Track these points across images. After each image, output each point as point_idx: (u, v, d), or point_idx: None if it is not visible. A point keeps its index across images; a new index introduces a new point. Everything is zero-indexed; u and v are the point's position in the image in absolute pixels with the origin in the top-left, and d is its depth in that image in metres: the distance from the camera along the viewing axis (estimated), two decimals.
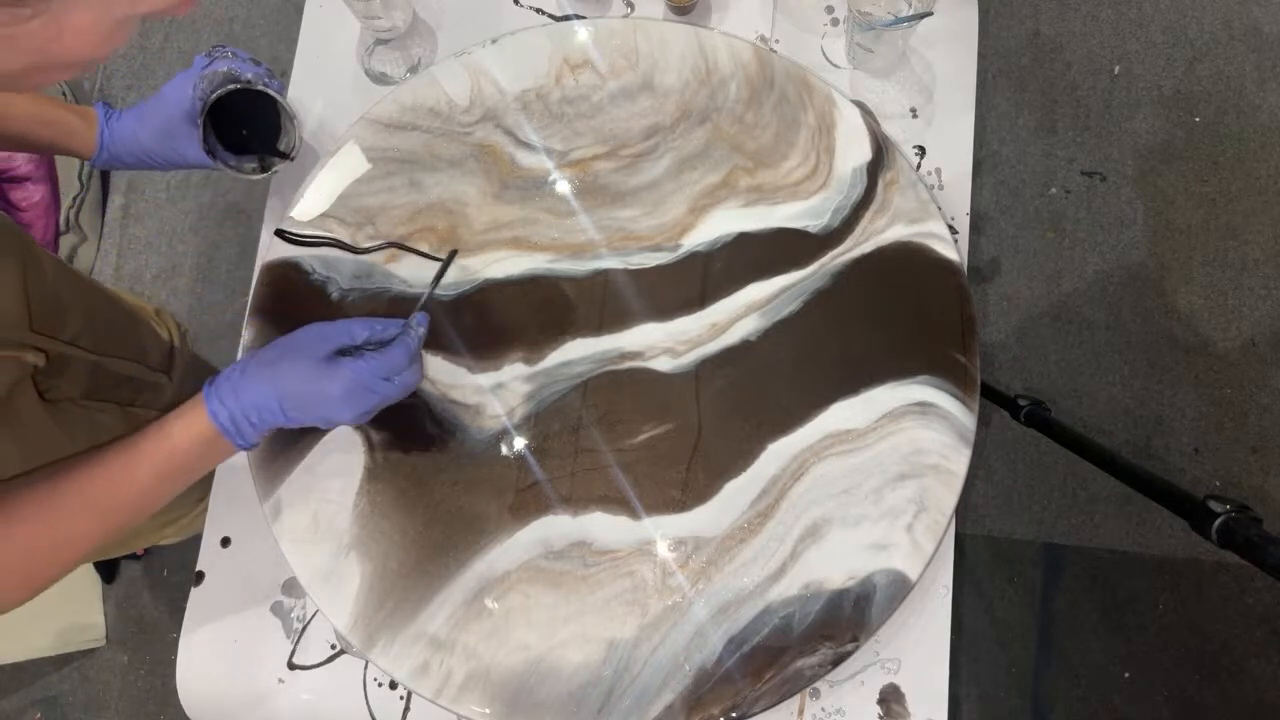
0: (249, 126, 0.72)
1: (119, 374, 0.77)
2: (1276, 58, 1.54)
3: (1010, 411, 1.04)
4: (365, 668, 0.70)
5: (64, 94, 1.58)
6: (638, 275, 0.73)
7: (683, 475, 0.68)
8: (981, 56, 0.81)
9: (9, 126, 0.65)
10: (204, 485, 0.74)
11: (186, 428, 0.56)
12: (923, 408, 0.69)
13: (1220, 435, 1.41)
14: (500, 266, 0.74)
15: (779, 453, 0.68)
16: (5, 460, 0.72)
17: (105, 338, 0.79)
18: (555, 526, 0.68)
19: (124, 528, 0.57)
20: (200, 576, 0.72)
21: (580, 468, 0.69)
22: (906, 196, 0.73)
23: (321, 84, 0.83)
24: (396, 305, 0.73)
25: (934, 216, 0.72)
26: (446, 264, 0.68)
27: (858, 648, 0.64)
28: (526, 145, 0.76)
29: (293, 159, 0.73)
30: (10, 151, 0.69)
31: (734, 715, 0.63)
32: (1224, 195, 1.50)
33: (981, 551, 1.39)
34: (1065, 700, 1.33)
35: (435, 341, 0.72)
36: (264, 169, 0.73)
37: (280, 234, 0.75)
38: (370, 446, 0.70)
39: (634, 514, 0.68)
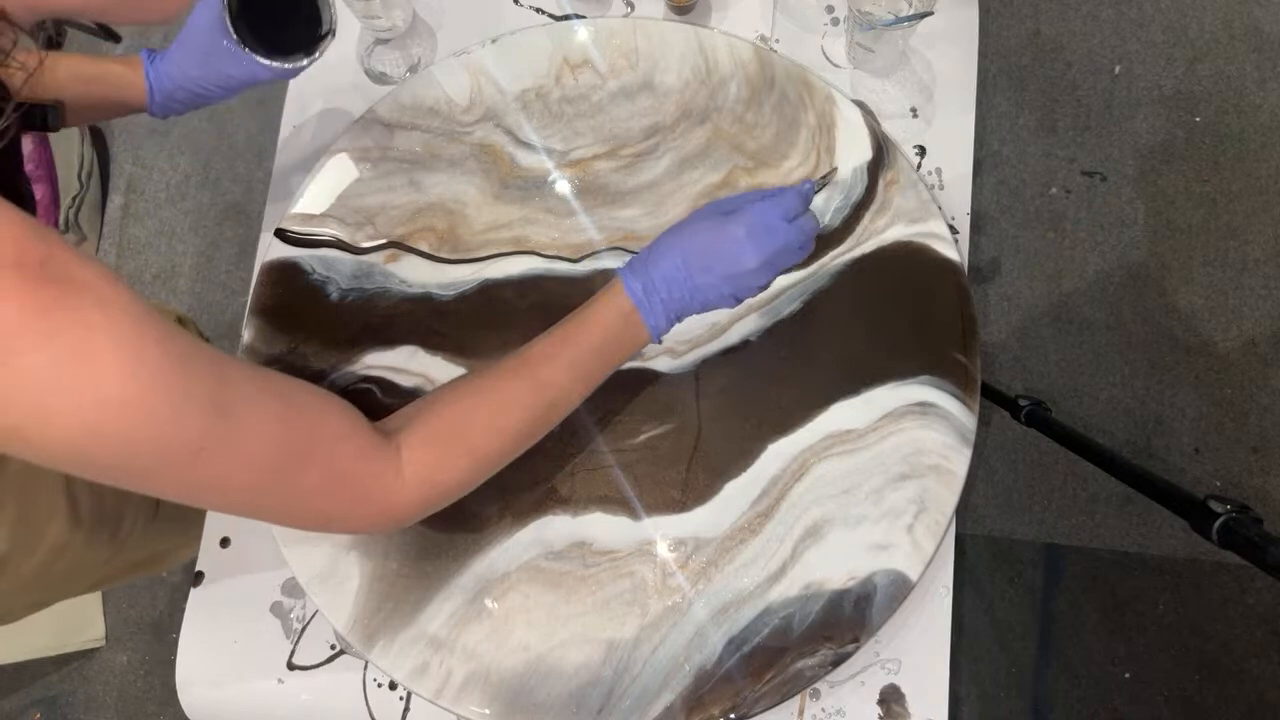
0: (283, 24, 0.68)
1: None
2: (1277, 58, 1.54)
3: (1010, 411, 1.04)
4: (365, 668, 0.70)
5: None
6: None
7: (683, 475, 0.68)
8: (982, 56, 0.80)
9: (59, 95, 0.63)
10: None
11: (607, 304, 0.59)
12: (923, 408, 0.68)
13: (1221, 435, 1.41)
14: (500, 266, 0.73)
15: (779, 453, 0.68)
16: (78, 489, 0.73)
17: None
18: (555, 526, 0.68)
19: (557, 405, 0.58)
20: (200, 577, 0.72)
21: (580, 468, 0.69)
22: (907, 196, 0.73)
23: (321, 84, 0.83)
24: (398, 306, 0.73)
25: (934, 216, 0.72)
26: (827, 176, 0.70)
27: (858, 648, 0.64)
28: (526, 145, 0.76)
29: (334, 34, 0.68)
30: (70, 126, 0.68)
31: (734, 716, 0.63)
32: (1224, 195, 1.49)
33: (982, 552, 1.39)
34: (1065, 700, 1.33)
35: (435, 341, 0.72)
36: (309, 55, 0.68)
37: (280, 234, 0.75)
38: None
39: (634, 514, 0.68)
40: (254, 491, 0.46)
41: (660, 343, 0.61)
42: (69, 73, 0.64)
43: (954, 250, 0.72)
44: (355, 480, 0.50)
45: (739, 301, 0.61)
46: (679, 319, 0.60)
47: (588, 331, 0.58)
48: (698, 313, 0.60)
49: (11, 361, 0.34)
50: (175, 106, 0.68)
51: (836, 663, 0.64)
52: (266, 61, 0.65)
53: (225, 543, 0.73)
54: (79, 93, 0.64)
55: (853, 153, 0.74)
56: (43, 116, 0.56)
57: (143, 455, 0.39)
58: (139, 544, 0.82)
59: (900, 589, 0.65)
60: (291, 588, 0.72)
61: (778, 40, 0.81)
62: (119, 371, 0.37)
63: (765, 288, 0.61)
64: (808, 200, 0.63)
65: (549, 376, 0.57)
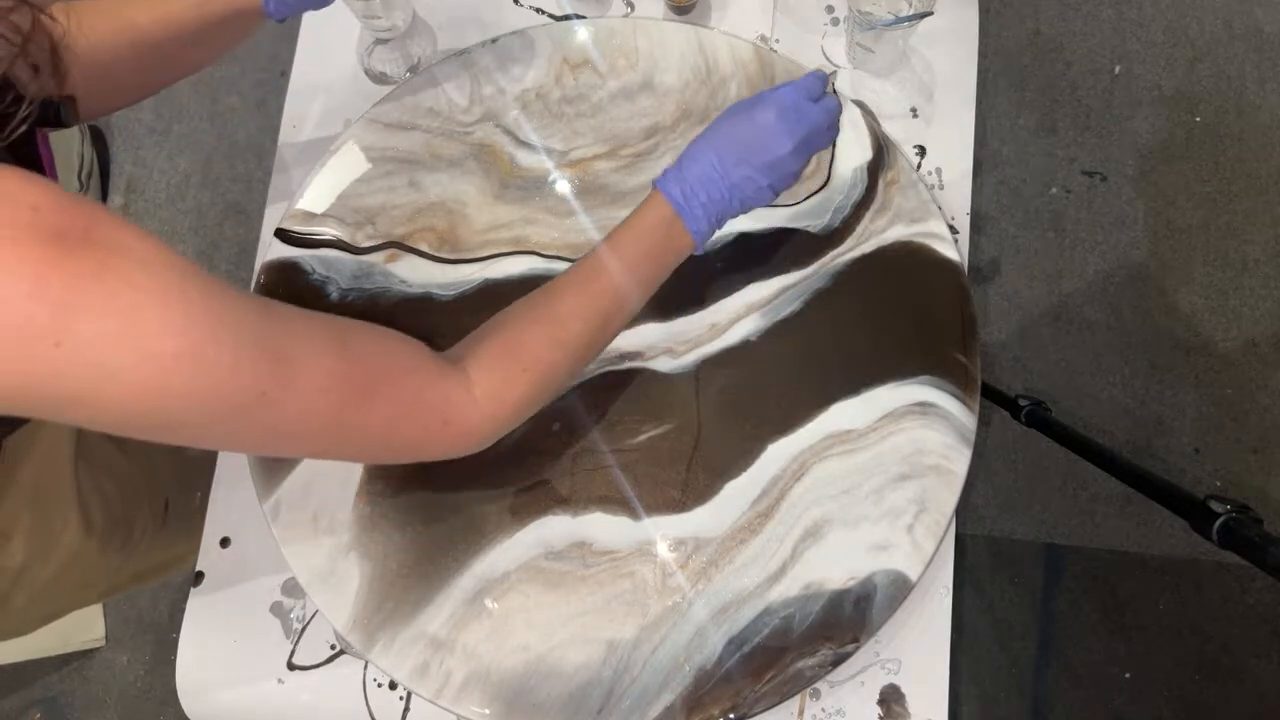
0: None
1: None
2: (1277, 57, 1.54)
3: (1011, 411, 1.04)
4: (365, 668, 0.70)
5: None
6: None
7: (683, 475, 0.68)
8: (982, 56, 0.80)
9: (186, 19, 0.61)
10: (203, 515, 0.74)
11: (648, 213, 0.59)
12: (923, 408, 0.68)
13: (1221, 435, 1.41)
14: (500, 266, 0.73)
15: (779, 453, 0.68)
16: (89, 497, 0.73)
17: None
18: (555, 527, 0.68)
19: (612, 317, 0.58)
20: (200, 576, 0.72)
21: (580, 468, 0.69)
22: (907, 196, 0.73)
23: (321, 84, 0.83)
24: (398, 306, 0.73)
25: (934, 216, 0.72)
26: (833, 76, 0.69)
27: (858, 648, 0.64)
28: (526, 145, 0.76)
29: None
30: (203, 65, 0.65)
31: (734, 716, 0.63)
32: (1224, 195, 1.49)
33: (982, 552, 1.39)
34: (1065, 700, 1.33)
35: (435, 342, 0.72)
36: None
37: (280, 234, 0.75)
38: None
39: (634, 514, 0.68)
40: (326, 431, 0.46)
41: (702, 251, 0.60)
42: (177, 6, 0.61)
43: (954, 250, 0.72)
44: (427, 407, 0.51)
45: (776, 194, 0.60)
46: (720, 223, 0.60)
47: (633, 242, 0.58)
48: (737, 213, 0.60)
49: (67, 331, 0.35)
50: (288, 3, 0.64)
51: (836, 663, 0.64)
52: None
53: (225, 543, 0.73)
54: (194, 17, 0.62)
55: (853, 153, 0.74)
56: (56, 111, 0.56)
57: (204, 407, 0.40)
58: (149, 550, 0.82)
59: (900, 589, 0.65)
60: (291, 588, 0.72)
61: (778, 40, 0.81)
62: (170, 328, 0.37)
63: (799, 176, 0.61)
64: (824, 84, 0.62)
65: (601, 288, 0.58)
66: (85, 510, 0.72)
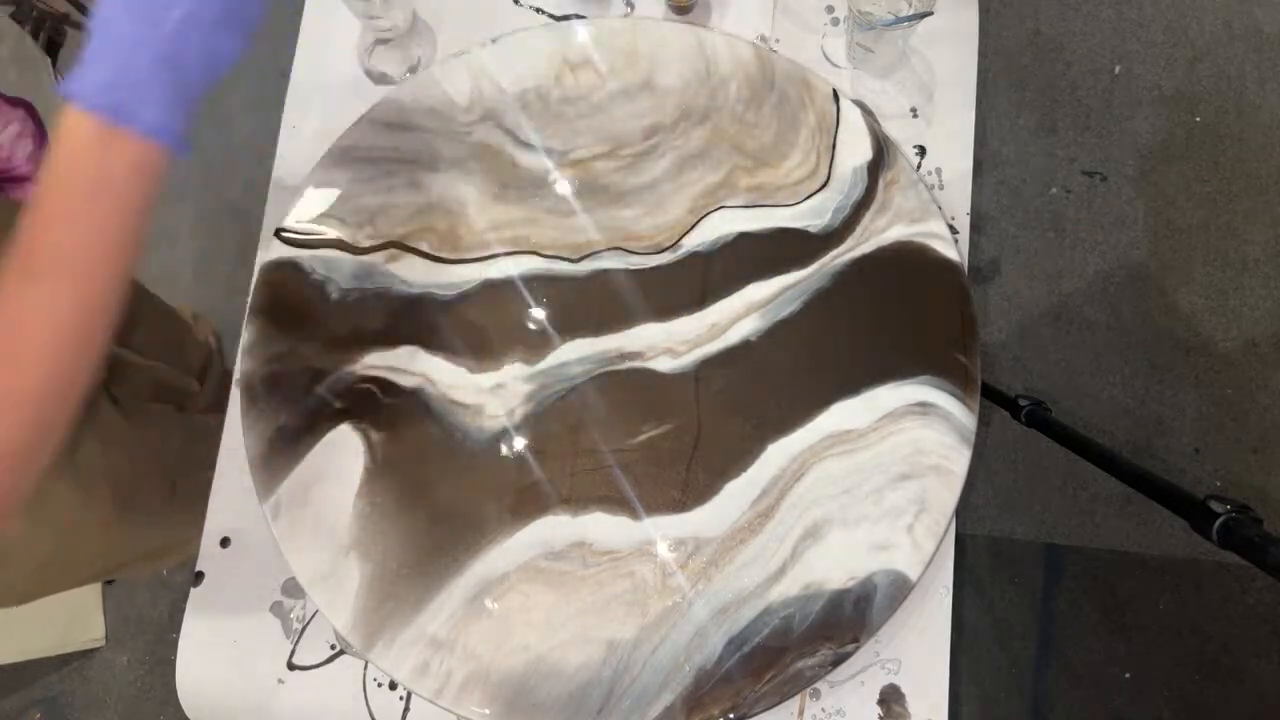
0: None
1: (157, 378, 0.77)
2: (1277, 58, 1.54)
3: (1010, 411, 1.04)
4: (365, 668, 0.70)
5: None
6: (638, 275, 0.73)
7: (683, 475, 0.68)
8: (982, 56, 0.80)
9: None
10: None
11: (66, 140, 0.42)
12: (923, 408, 0.68)
13: (1221, 435, 1.41)
14: (500, 266, 0.73)
15: (779, 453, 0.68)
16: (92, 469, 0.72)
17: (148, 339, 0.78)
18: (555, 527, 0.68)
19: (86, 293, 0.43)
20: (200, 576, 0.72)
21: (580, 468, 0.69)
22: (907, 196, 0.73)
23: (321, 84, 0.83)
24: (398, 306, 0.73)
25: (934, 216, 0.72)
26: None
27: (858, 648, 0.64)
28: (526, 145, 0.76)
29: None
30: None
31: (734, 716, 0.63)
32: (1224, 195, 1.49)
33: (982, 552, 1.39)
34: (1065, 700, 1.33)
35: (435, 341, 0.72)
36: None
37: (280, 234, 0.75)
38: (370, 447, 0.70)
39: (634, 514, 0.68)
40: None
41: (188, 151, 0.44)
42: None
43: (954, 250, 0.72)
44: None
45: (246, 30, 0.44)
46: (193, 94, 0.43)
47: (61, 190, 0.42)
48: (213, 74, 0.43)
49: None
50: None
51: (836, 663, 0.64)
52: None
53: (225, 542, 0.73)
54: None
55: (853, 153, 0.74)
56: None
57: None
58: (150, 530, 0.82)
59: (900, 589, 0.65)
60: (291, 588, 0.72)
61: (778, 40, 0.81)
62: None
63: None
64: None
65: (48, 267, 0.41)
66: (87, 482, 0.72)
